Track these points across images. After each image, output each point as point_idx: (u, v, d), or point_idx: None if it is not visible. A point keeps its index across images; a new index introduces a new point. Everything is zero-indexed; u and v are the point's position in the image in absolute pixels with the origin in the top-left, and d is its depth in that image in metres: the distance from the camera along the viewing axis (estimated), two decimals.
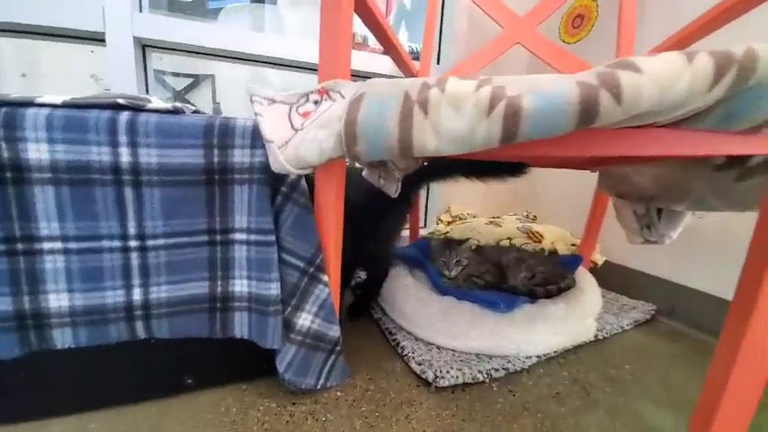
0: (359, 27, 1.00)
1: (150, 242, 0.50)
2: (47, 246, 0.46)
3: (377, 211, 0.78)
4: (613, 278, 1.09)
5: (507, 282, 0.86)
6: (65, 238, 0.47)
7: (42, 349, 0.48)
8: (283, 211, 0.54)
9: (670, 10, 0.98)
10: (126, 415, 0.53)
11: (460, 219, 1.39)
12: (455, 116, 0.39)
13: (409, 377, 0.65)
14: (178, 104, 0.52)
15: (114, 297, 0.49)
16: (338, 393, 0.59)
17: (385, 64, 1.19)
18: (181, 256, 0.51)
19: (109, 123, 0.45)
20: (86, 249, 0.48)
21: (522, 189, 1.42)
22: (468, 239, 0.91)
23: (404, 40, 1.42)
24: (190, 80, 1.38)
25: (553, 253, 1.11)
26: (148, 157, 0.47)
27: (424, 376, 0.63)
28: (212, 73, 1.41)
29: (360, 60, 1.18)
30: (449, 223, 1.37)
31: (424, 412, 0.56)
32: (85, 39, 0.90)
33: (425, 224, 1.44)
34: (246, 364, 0.61)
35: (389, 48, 0.85)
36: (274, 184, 0.53)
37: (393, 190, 0.60)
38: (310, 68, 1.16)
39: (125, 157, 0.47)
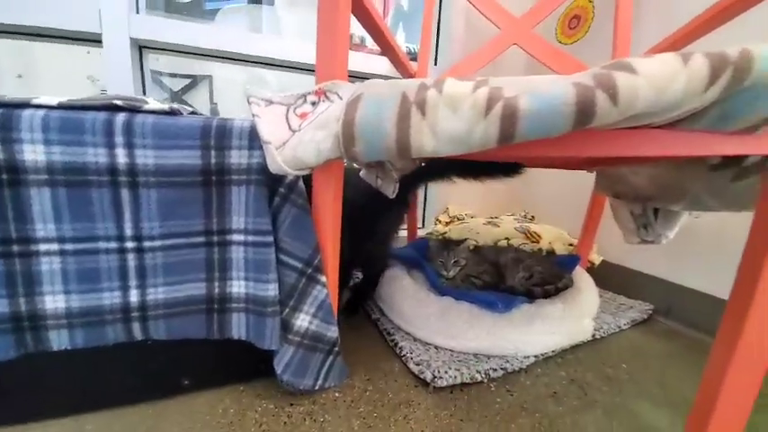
0: (356, 28, 1.00)
1: (147, 243, 0.49)
2: (43, 247, 0.46)
3: (374, 212, 0.78)
4: (610, 278, 1.09)
5: (505, 282, 0.86)
6: (61, 240, 0.46)
7: (39, 351, 0.48)
8: (281, 212, 0.54)
9: (666, 11, 0.98)
10: (122, 416, 0.52)
11: (458, 219, 1.39)
12: (452, 117, 0.39)
13: (407, 377, 0.65)
14: (175, 105, 0.52)
15: (111, 298, 0.49)
16: (336, 394, 0.59)
17: (382, 65, 1.20)
18: (178, 258, 0.51)
19: (105, 125, 0.45)
20: (83, 251, 0.47)
21: (519, 189, 1.43)
22: (466, 240, 0.91)
23: (401, 40, 1.42)
24: (187, 81, 1.38)
25: (551, 253, 1.12)
26: (145, 158, 0.47)
27: (422, 376, 0.63)
28: (210, 74, 1.40)
29: (357, 61, 1.18)
30: (447, 224, 1.37)
31: (422, 412, 0.56)
32: (82, 40, 0.90)
33: (423, 224, 1.44)
34: (244, 365, 0.60)
35: (387, 48, 0.85)
36: (272, 185, 0.53)
37: (391, 190, 0.60)
38: (308, 69, 1.16)
39: (121, 158, 0.46)
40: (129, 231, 0.49)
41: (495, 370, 0.65)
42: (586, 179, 0.91)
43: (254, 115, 0.48)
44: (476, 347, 0.70)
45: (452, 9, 1.29)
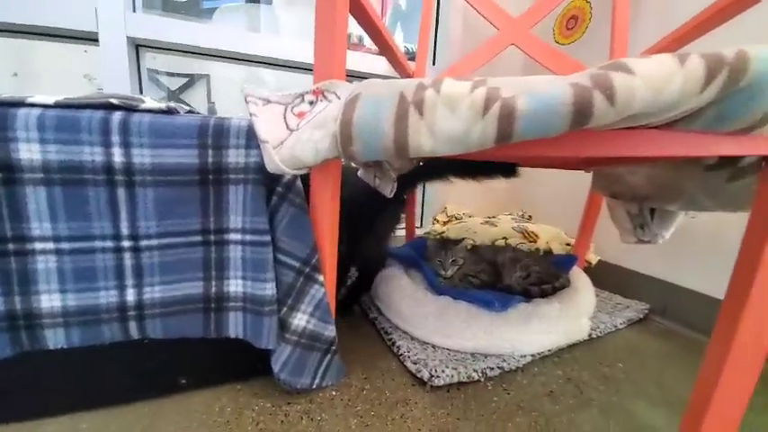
0: (354, 27, 1.00)
1: (143, 242, 0.49)
2: (38, 246, 0.46)
3: (372, 211, 0.78)
4: (607, 277, 1.10)
5: (502, 281, 0.86)
6: (57, 239, 0.46)
7: (35, 349, 0.48)
8: (279, 211, 0.54)
9: (663, 11, 0.99)
10: (119, 415, 0.52)
11: (456, 219, 1.39)
12: (450, 117, 0.39)
13: (404, 376, 0.65)
14: (172, 104, 0.52)
15: (107, 297, 0.49)
16: (333, 393, 0.59)
17: (380, 64, 1.19)
18: (175, 257, 0.51)
19: (101, 123, 0.45)
20: (79, 250, 0.47)
21: (517, 189, 1.43)
22: (463, 239, 0.91)
23: (399, 40, 1.42)
24: (184, 80, 1.37)
25: (548, 252, 1.12)
26: (141, 157, 0.47)
27: (419, 375, 0.63)
28: (207, 73, 1.40)
29: (355, 61, 1.18)
30: (445, 223, 1.37)
31: (419, 411, 0.56)
32: (78, 38, 0.90)
33: (421, 224, 1.44)
34: (241, 364, 0.60)
35: (385, 48, 0.85)
36: (269, 185, 0.53)
37: (389, 190, 0.60)
38: (305, 69, 1.15)
39: (118, 157, 0.46)
40: (125, 230, 0.48)
41: (492, 369, 0.66)
42: (583, 179, 0.92)
43: (251, 114, 0.48)
44: (473, 346, 0.71)
45: (450, 9, 1.30)
